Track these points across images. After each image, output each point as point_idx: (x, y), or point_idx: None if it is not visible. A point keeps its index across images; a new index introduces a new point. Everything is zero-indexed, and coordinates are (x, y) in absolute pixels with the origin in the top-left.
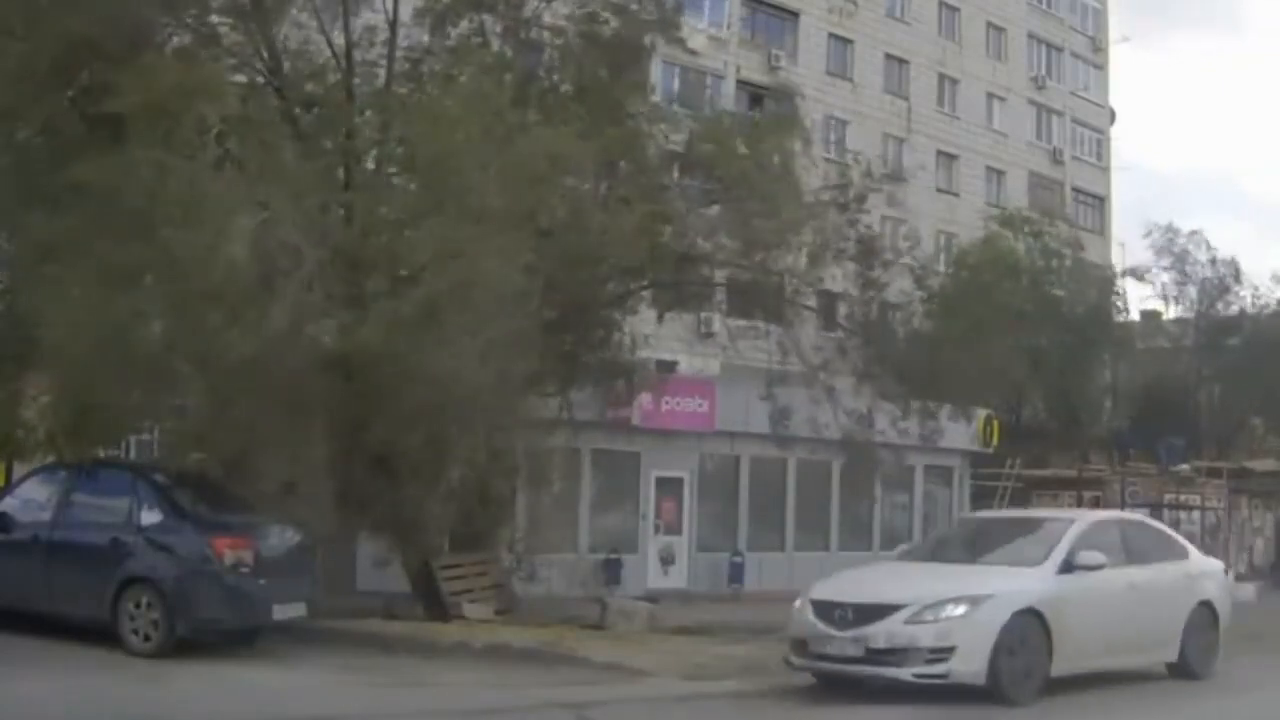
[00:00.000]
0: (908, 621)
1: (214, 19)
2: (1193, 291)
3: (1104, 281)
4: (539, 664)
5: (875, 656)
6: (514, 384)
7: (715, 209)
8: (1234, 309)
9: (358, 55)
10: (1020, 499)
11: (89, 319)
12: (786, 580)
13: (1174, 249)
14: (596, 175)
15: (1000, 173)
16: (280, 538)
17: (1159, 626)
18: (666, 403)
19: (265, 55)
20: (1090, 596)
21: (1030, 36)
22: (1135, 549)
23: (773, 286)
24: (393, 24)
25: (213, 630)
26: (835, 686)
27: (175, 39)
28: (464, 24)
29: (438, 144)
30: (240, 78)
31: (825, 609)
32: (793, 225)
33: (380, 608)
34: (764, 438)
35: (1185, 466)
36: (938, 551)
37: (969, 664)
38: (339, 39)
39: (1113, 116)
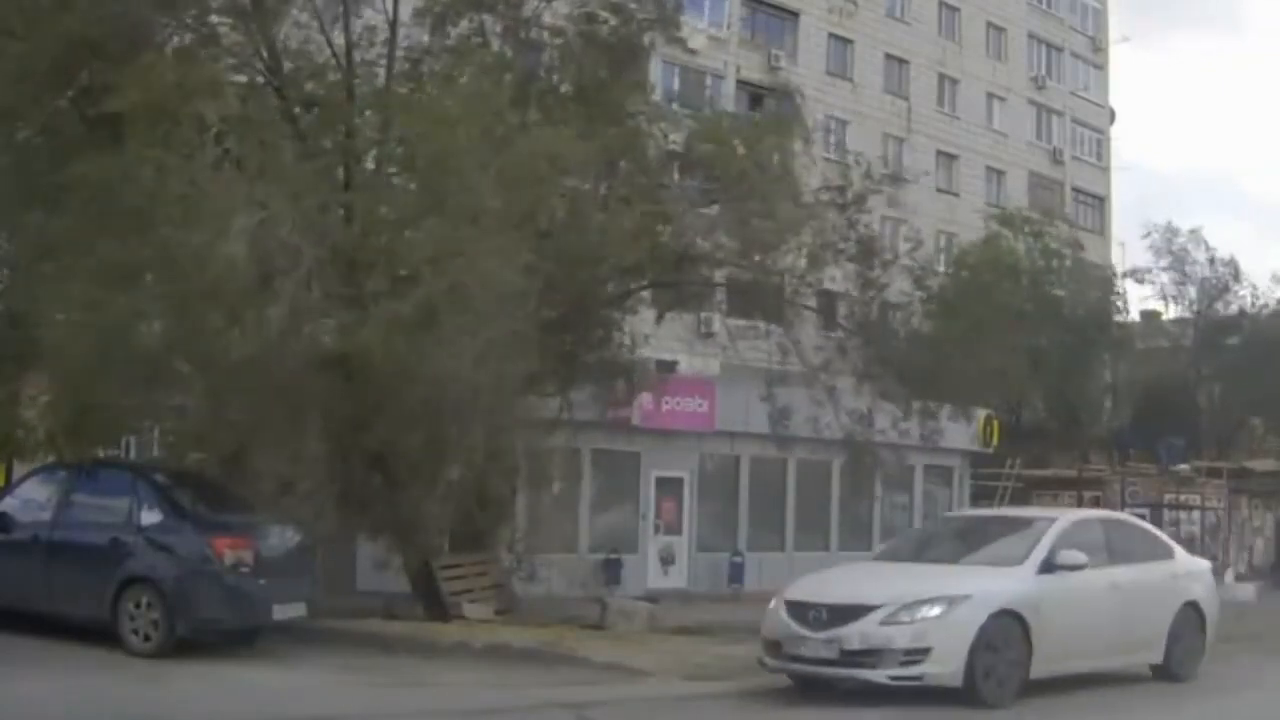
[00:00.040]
0: (883, 622)
1: (214, 19)
2: (1192, 291)
3: (1104, 281)
4: (539, 664)
5: (849, 658)
6: (513, 384)
7: (714, 209)
8: (1233, 309)
9: (358, 55)
10: (1020, 499)
11: (88, 318)
12: (787, 580)
13: (1173, 248)
14: (596, 175)
15: (1000, 173)
16: (280, 538)
17: (1143, 627)
18: (666, 403)
19: (265, 55)
20: (1071, 597)
21: (1030, 36)
22: (1119, 548)
23: (772, 286)
24: (393, 24)
25: (213, 630)
26: (833, 687)
27: (175, 39)
28: (464, 24)
29: (437, 144)
30: (240, 77)
31: (799, 610)
32: (792, 225)
33: (380, 608)
34: (764, 438)
35: (1185, 466)
36: (917, 551)
37: (945, 665)
38: (339, 39)
39: (1113, 116)
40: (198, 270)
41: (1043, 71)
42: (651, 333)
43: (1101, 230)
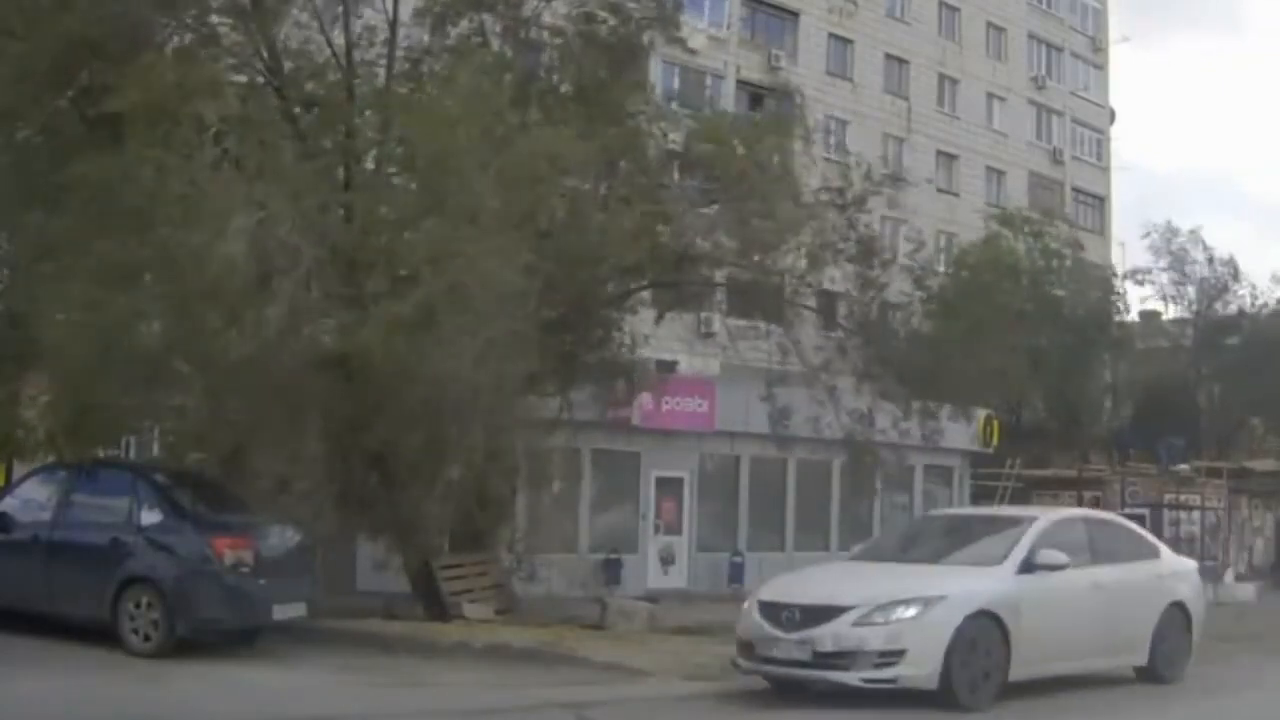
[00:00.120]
0: (856, 623)
1: (214, 19)
2: (1191, 291)
3: (1104, 281)
4: (539, 664)
5: (822, 660)
6: (513, 384)
7: (714, 209)
8: (1232, 308)
9: (358, 55)
10: (1020, 499)
11: (88, 318)
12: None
13: (1171, 248)
14: (596, 175)
15: (1000, 173)
16: (280, 538)
17: (1127, 628)
18: (666, 403)
19: (265, 55)
20: (1051, 597)
21: (1030, 36)
22: (1102, 548)
23: (772, 286)
24: (393, 24)
25: (213, 630)
26: (807, 689)
27: (175, 39)
28: (464, 24)
29: (437, 144)
30: (240, 78)
31: (772, 610)
32: (792, 225)
33: (380, 608)
34: (764, 438)
35: (1185, 466)
36: (895, 551)
37: (920, 668)
38: (339, 39)
39: (1113, 116)
40: (197, 270)
41: (1043, 71)
42: (651, 333)
43: (1101, 230)
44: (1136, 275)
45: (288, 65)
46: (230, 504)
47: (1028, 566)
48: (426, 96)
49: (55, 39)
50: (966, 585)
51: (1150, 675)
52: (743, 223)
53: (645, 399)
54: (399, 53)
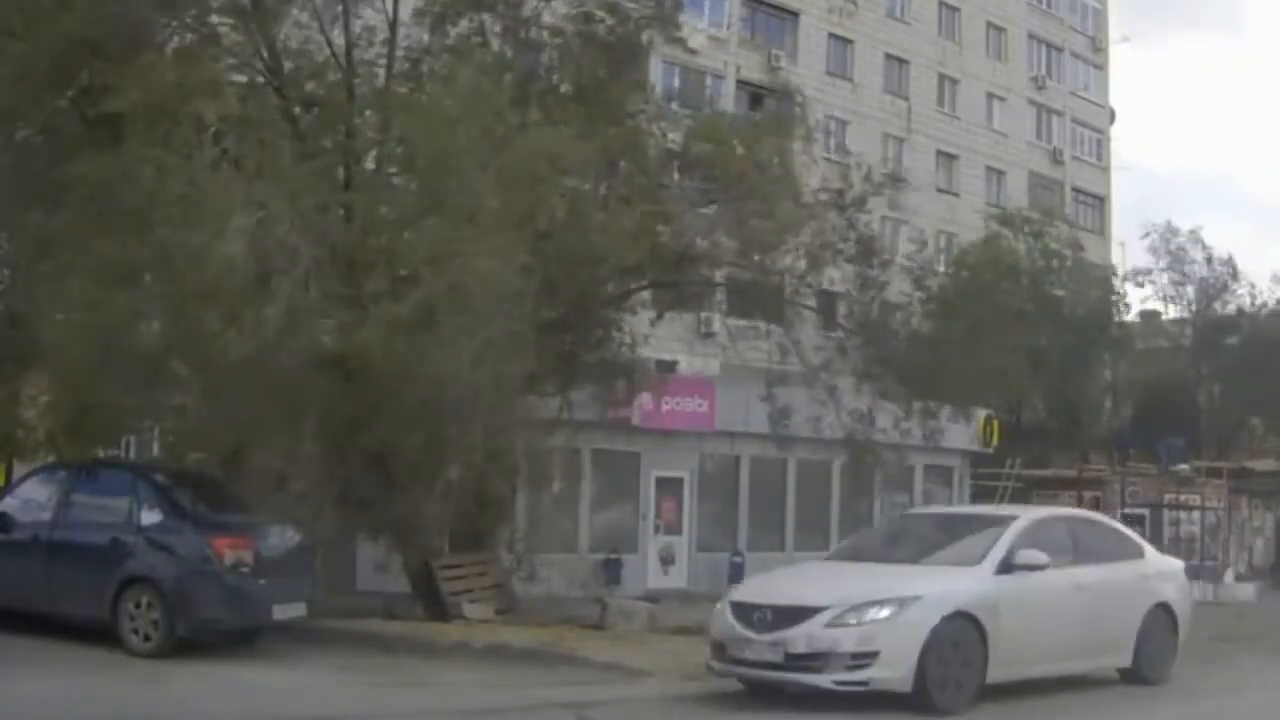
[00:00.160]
0: (829, 625)
1: (214, 19)
2: (1191, 291)
3: (1104, 281)
4: (539, 664)
5: (794, 662)
6: (513, 384)
7: (714, 209)
8: (1232, 308)
9: (357, 55)
10: (1020, 499)
11: (88, 318)
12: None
13: (1171, 248)
14: (596, 175)
15: (1000, 173)
16: (280, 538)
17: (1110, 630)
18: (666, 403)
19: (265, 55)
20: (1031, 598)
21: (1030, 36)
22: (1085, 548)
23: (772, 286)
24: (392, 24)
25: (213, 630)
26: (780, 692)
27: (175, 39)
28: (463, 24)
29: (437, 144)
30: (240, 78)
31: (744, 611)
32: (791, 225)
33: (380, 608)
34: (764, 438)
35: (1185, 466)
36: (873, 551)
37: (894, 670)
38: (339, 39)
39: (1113, 116)
40: (196, 270)
41: (1043, 71)
42: (651, 333)
43: (1101, 230)
44: (1137, 277)
45: (288, 65)
46: (230, 504)
47: (1006, 566)
48: (426, 96)
49: (55, 39)
50: (943, 586)
51: (1134, 676)
52: (742, 223)
53: (645, 399)
54: (399, 52)
